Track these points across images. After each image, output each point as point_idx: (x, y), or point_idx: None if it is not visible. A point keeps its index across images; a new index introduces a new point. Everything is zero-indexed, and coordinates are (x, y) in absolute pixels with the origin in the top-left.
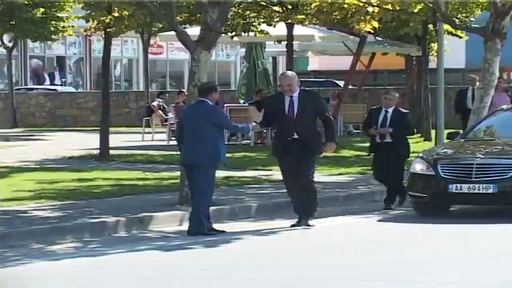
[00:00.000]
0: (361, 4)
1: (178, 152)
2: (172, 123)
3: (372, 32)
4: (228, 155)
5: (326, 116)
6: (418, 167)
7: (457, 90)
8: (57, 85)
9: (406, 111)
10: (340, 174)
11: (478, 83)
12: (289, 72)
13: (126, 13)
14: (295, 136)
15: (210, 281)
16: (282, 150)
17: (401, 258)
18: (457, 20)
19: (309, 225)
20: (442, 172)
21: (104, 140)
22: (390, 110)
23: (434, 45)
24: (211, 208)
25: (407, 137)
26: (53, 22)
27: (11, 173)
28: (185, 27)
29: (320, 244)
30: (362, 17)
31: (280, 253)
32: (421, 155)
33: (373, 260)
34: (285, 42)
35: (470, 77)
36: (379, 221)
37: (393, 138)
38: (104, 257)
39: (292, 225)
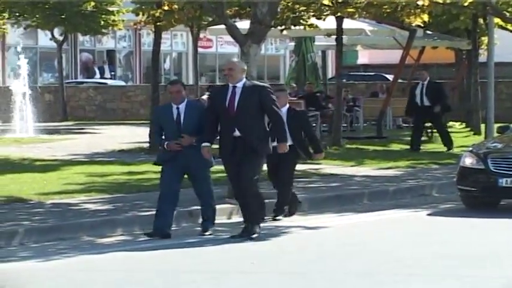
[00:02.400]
0: None
1: None
2: None
3: (422, 25)
4: None
5: (273, 110)
6: (468, 161)
7: None
8: (107, 79)
9: None
10: (389, 168)
11: None
12: (235, 59)
13: (176, 7)
14: (237, 133)
15: (260, 273)
16: (226, 150)
17: (451, 252)
18: (507, 14)
19: (251, 236)
20: (492, 166)
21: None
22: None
23: (485, 39)
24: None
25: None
26: (103, 16)
27: (62, 166)
28: (235, 21)
29: (370, 238)
30: (412, 11)
31: (329, 246)
32: (470, 148)
33: (423, 253)
34: (335, 36)
35: None
36: (428, 215)
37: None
38: (153, 251)
39: (233, 236)
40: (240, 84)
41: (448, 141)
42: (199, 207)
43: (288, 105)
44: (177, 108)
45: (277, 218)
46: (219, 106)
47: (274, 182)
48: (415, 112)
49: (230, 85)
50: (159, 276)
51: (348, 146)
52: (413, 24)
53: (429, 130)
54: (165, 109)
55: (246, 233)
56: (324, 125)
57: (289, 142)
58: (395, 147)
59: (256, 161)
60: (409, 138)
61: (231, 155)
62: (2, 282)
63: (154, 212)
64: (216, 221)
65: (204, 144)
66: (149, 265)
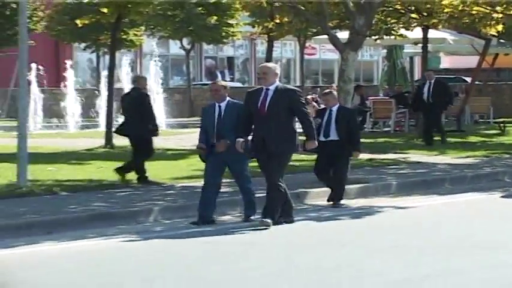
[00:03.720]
0: (488, 11)
1: None
2: None
3: (496, 35)
4: (371, 140)
5: (301, 110)
6: None
7: None
8: (227, 81)
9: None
10: (467, 157)
11: None
12: (270, 63)
13: (286, 20)
14: (266, 133)
15: (356, 247)
16: (255, 147)
17: None
18: None
19: (267, 225)
20: None
21: None
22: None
23: None
24: (358, 185)
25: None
26: (224, 28)
27: (190, 154)
28: (336, 32)
29: (453, 215)
30: (488, 22)
31: (417, 224)
32: None
33: (498, 231)
34: (421, 44)
35: None
36: (501, 197)
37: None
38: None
39: (245, 220)
40: (272, 87)
41: (429, 139)
42: (305, 190)
43: (338, 104)
44: (219, 106)
45: (340, 204)
46: (252, 106)
47: (324, 177)
48: (421, 108)
49: (264, 87)
50: (277, 247)
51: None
52: (489, 34)
53: (501, 124)
54: (210, 107)
55: (263, 222)
56: (412, 120)
57: (336, 138)
58: (472, 139)
59: (282, 160)
60: (486, 132)
61: (260, 152)
62: (143, 251)
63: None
64: (320, 202)
65: (238, 139)
66: (271, 239)
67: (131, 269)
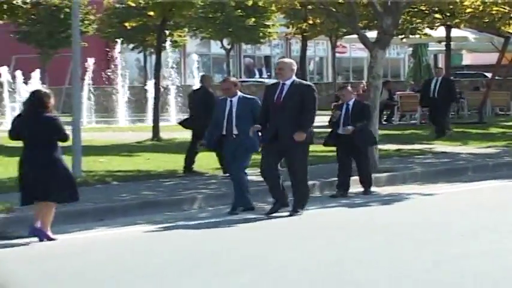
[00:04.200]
0: (506, 11)
1: None
2: None
3: None
4: (398, 132)
5: (309, 104)
6: None
7: None
8: (264, 78)
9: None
10: (488, 147)
11: None
12: (287, 59)
13: (319, 21)
14: (280, 125)
15: (384, 230)
16: (267, 137)
17: None
18: None
19: (297, 213)
20: None
21: None
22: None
23: None
24: (387, 174)
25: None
26: (261, 29)
27: None
28: (365, 31)
29: (477, 200)
30: (507, 21)
31: (443, 209)
32: None
33: None
34: (444, 42)
35: None
36: None
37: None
38: (303, 211)
39: (267, 213)
40: (288, 82)
41: (440, 130)
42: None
43: (354, 99)
44: (231, 100)
45: (370, 191)
46: (269, 99)
47: (341, 167)
48: (428, 103)
49: (281, 82)
50: (313, 231)
51: (455, 129)
52: (508, 32)
53: None
54: (222, 101)
55: (292, 212)
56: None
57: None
58: (493, 130)
59: (301, 150)
60: (505, 123)
61: (270, 143)
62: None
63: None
64: (351, 190)
65: (254, 125)
66: (306, 224)
67: (179, 252)
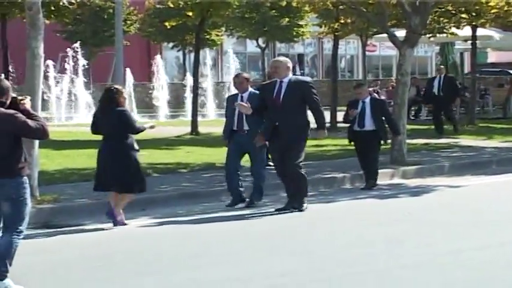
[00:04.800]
0: None
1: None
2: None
3: None
4: (426, 127)
5: (312, 100)
6: None
7: None
8: (298, 75)
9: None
10: None
11: None
12: (281, 58)
13: (350, 21)
14: (280, 122)
15: (413, 221)
16: (269, 136)
17: None
18: None
19: (301, 209)
20: None
21: (333, 116)
22: (367, 101)
23: None
24: (415, 167)
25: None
26: (295, 28)
27: None
28: (394, 31)
29: (501, 192)
30: None
31: (469, 200)
32: None
33: None
34: (470, 41)
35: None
36: None
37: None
38: (334, 203)
39: (277, 209)
40: (286, 80)
41: (455, 127)
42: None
43: (370, 96)
44: (241, 96)
45: (370, 186)
46: (267, 97)
47: (362, 162)
48: (432, 100)
49: (278, 80)
50: (344, 222)
51: (481, 124)
52: None
53: None
54: (233, 96)
55: (290, 206)
56: (462, 108)
57: (373, 127)
58: None
59: (299, 147)
60: None
61: (272, 140)
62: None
63: (332, 175)
64: (381, 182)
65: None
66: (332, 212)
67: (219, 240)
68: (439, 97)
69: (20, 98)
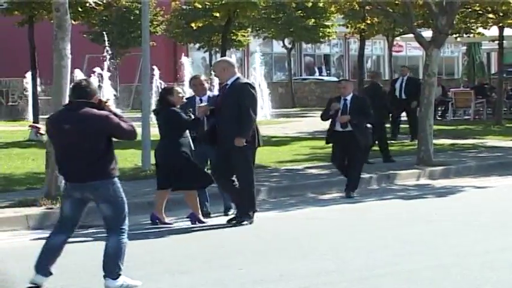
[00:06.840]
0: None
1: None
2: None
3: None
4: (452, 127)
5: (244, 105)
6: None
7: None
8: (324, 76)
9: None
10: None
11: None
12: (221, 59)
13: (376, 21)
14: (220, 126)
15: (440, 222)
16: (215, 140)
17: None
18: None
19: (242, 223)
20: None
21: None
22: (349, 98)
23: None
24: (442, 167)
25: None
26: (321, 29)
27: (292, 141)
28: (420, 31)
29: None
30: None
31: (496, 201)
32: None
33: None
34: (497, 41)
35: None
36: None
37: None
38: (360, 204)
39: (228, 221)
40: (229, 82)
41: (414, 132)
42: (394, 172)
43: (352, 94)
44: (200, 99)
45: (352, 195)
46: (213, 101)
47: (341, 166)
48: (394, 104)
49: (225, 83)
50: (372, 222)
51: (508, 125)
52: None
53: None
54: (191, 99)
55: (236, 219)
56: (489, 109)
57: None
58: None
59: (244, 154)
60: None
61: (217, 146)
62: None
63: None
64: (408, 182)
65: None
66: (359, 213)
67: (249, 240)
68: (400, 100)
69: (104, 100)
